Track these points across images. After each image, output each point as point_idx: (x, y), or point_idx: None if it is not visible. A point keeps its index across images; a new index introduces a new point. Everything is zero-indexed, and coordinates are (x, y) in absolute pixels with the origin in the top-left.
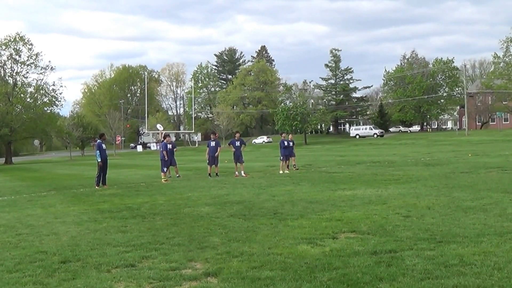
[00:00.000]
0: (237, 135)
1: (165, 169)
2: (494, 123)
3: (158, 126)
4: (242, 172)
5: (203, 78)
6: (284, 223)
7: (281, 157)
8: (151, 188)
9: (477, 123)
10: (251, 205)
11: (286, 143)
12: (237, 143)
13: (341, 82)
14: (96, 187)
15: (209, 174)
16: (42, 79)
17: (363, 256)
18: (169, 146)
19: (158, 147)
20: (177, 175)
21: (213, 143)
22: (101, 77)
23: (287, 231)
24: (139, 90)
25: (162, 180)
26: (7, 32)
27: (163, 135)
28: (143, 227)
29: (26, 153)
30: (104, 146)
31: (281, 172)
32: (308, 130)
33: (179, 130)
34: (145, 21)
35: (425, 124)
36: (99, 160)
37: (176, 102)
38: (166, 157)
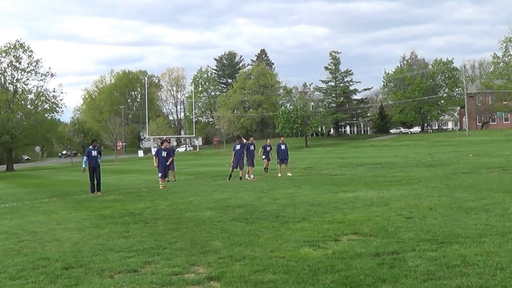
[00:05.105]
0: (251, 139)
1: (160, 174)
2: (495, 123)
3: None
4: (246, 175)
5: (203, 82)
6: (286, 226)
7: (278, 161)
8: (152, 193)
9: (478, 124)
10: (253, 209)
11: (283, 146)
12: (251, 147)
13: (341, 85)
14: (91, 194)
15: (240, 177)
16: (43, 86)
17: (365, 258)
18: (164, 153)
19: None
20: (174, 179)
21: (238, 146)
22: (101, 82)
23: (289, 234)
24: (139, 95)
25: (160, 186)
26: (7, 39)
27: (160, 141)
28: (145, 232)
29: (28, 159)
30: (94, 152)
31: (279, 175)
32: (309, 132)
33: (180, 134)
34: (144, 26)
35: (425, 125)
36: (84, 166)
37: (176, 107)
38: (155, 164)
